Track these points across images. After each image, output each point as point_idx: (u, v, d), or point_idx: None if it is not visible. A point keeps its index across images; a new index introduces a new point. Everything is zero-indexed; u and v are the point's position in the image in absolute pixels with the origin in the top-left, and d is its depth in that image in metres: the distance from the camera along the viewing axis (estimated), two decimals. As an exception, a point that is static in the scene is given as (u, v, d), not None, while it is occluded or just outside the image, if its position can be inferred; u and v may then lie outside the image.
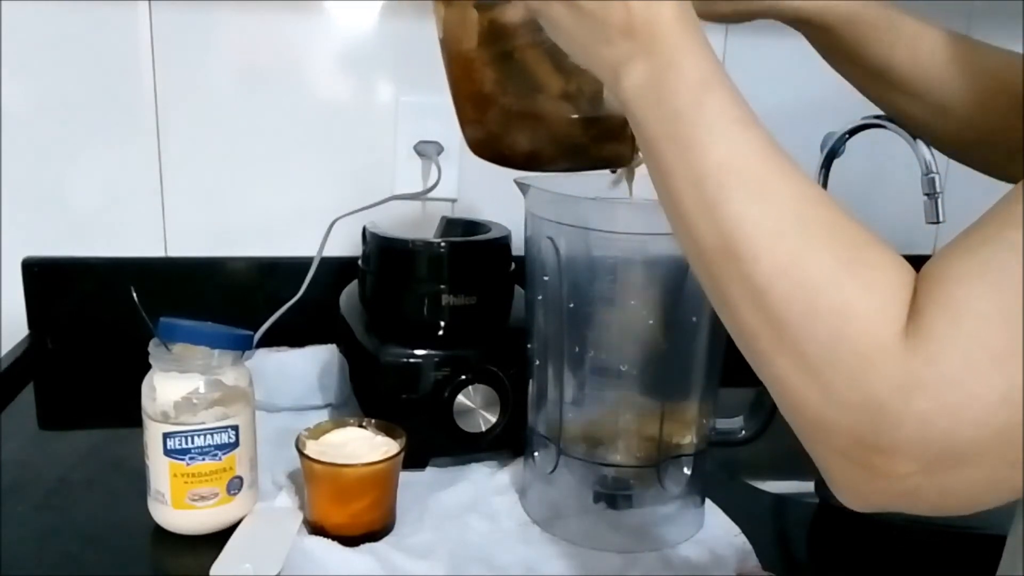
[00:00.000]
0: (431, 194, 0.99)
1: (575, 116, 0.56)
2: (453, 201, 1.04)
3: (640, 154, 0.45)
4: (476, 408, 0.74)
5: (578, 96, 0.56)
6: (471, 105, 0.56)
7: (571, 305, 0.66)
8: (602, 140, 0.57)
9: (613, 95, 0.44)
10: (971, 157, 0.64)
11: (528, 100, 0.56)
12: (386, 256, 0.80)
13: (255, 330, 0.71)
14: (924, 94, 0.62)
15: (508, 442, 0.76)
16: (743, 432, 0.71)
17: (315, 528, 0.65)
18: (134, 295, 0.64)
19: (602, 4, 0.42)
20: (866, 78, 0.63)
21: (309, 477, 0.65)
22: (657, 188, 0.42)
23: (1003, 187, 0.55)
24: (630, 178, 0.61)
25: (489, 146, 0.58)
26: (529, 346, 0.71)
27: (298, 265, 0.87)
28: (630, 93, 0.42)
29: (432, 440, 0.74)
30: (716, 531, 0.70)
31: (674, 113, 0.40)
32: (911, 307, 0.34)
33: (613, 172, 0.62)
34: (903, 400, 0.33)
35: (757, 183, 0.38)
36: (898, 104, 0.64)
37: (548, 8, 0.44)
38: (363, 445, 0.67)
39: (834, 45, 0.62)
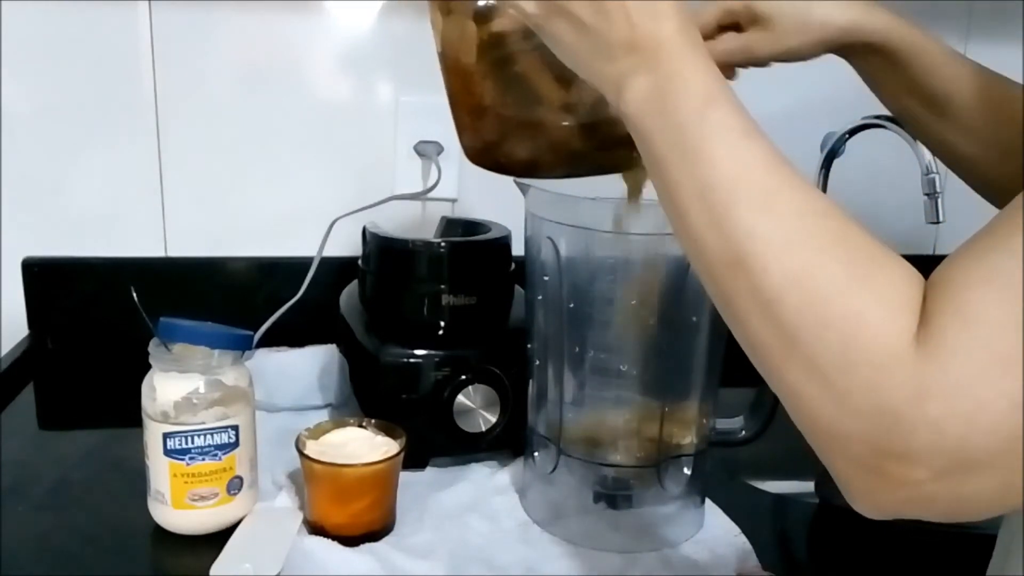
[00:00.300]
0: (431, 194, 0.99)
1: (575, 125, 0.56)
2: (453, 201, 1.04)
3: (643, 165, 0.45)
4: (476, 408, 0.74)
5: (578, 105, 0.56)
6: (469, 116, 0.56)
7: (571, 305, 0.66)
8: (602, 148, 0.57)
9: (616, 109, 0.44)
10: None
11: (528, 111, 0.56)
12: (386, 256, 0.80)
13: (255, 330, 0.71)
14: (978, 130, 0.61)
15: (508, 442, 0.76)
16: (743, 432, 0.71)
17: (315, 528, 0.65)
18: (134, 295, 0.64)
19: (604, 19, 0.42)
20: (922, 109, 0.63)
21: (309, 477, 0.65)
22: (663, 202, 0.42)
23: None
24: (635, 193, 0.61)
25: (487, 155, 0.58)
26: (529, 346, 0.71)
27: (298, 265, 0.87)
28: (633, 107, 0.42)
29: (432, 440, 0.74)
30: (716, 531, 0.70)
31: (679, 126, 0.41)
32: (921, 314, 0.34)
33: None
34: (916, 407, 0.33)
35: (764, 194, 0.38)
36: (949, 139, 0.63)
37: (549, 23, 0.44)
38: (363, 445, 0.67)
39: (897, 74, 0.62)
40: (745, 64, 0.64)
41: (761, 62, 0.64)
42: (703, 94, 0.41)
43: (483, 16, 0.53)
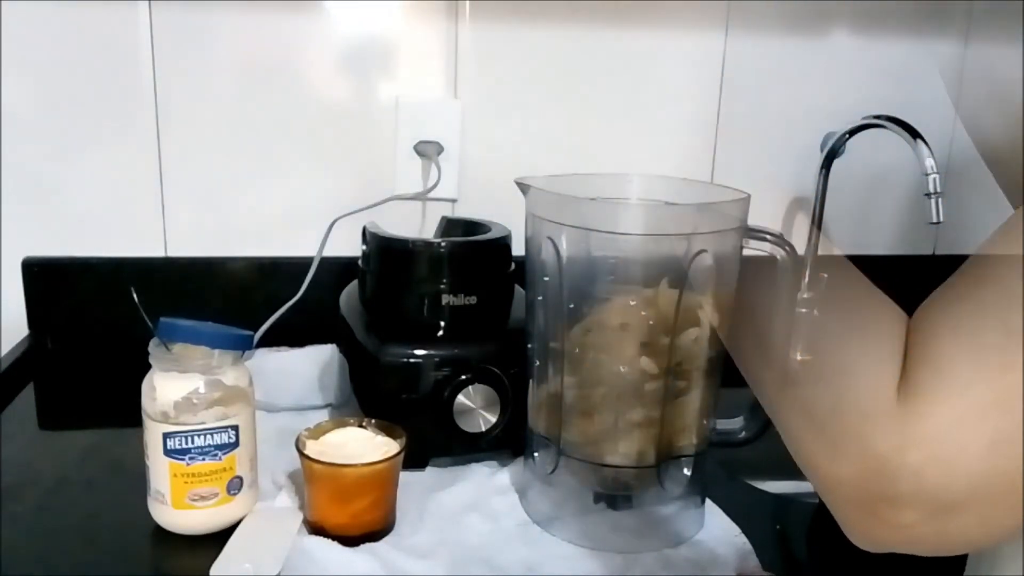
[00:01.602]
0: (431, 194, 0.99)
1: None
2: (453, 201, 1.04)
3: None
4: (476, 408, 0.74)
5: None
6: None
7: (571, 305, 0.66)
8: None
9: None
10: None
11: None
12: (386, 256, 0.80)
13: (255, 330, 0.71)
14: None
15: (508, 442, 0.76)
16: (743, 432, 0.71)
17: (315, 528, 0.65)
18: (134, 295, 0.64)
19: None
20: None
21: (309, 477, 0.65)
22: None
23: (1001, 196, 0.55)
24: None
25: None
26: (529, 346, 0.71)
27: (298, 265, 0.87)
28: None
29: (432, 440, 0.74)
30: (716, 531, 0.70)
31: None
32: (903, 363, 0.36)
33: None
34: (899, 455, 0.35)
35: None
36: None
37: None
38: (363, 445, 0.67)
39: None
40: None
41: None
42: None
43: None
